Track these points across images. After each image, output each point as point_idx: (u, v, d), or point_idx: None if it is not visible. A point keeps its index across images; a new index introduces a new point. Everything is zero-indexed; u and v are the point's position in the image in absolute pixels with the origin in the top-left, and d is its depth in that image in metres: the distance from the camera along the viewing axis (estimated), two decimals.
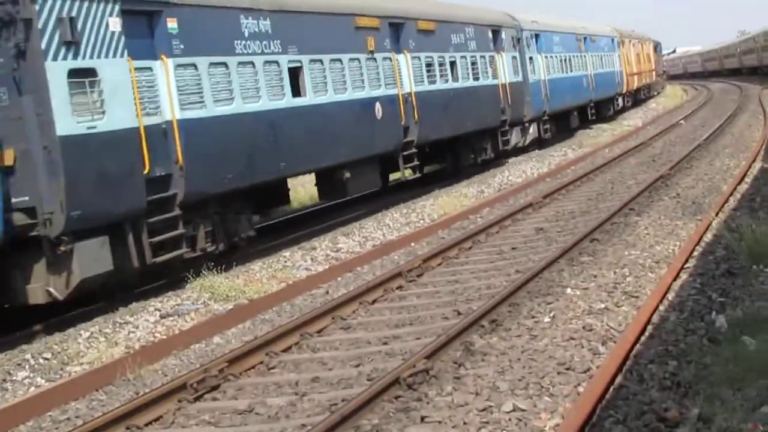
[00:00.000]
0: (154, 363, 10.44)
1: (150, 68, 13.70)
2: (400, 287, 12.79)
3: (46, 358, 10.97)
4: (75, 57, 12.15)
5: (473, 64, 25.73)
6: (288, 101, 16.79)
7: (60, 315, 12.91)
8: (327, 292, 13.37)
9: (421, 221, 18.97)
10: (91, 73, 12.38)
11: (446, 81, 23.85)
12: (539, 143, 32.13)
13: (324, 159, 18.18)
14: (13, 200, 11.70)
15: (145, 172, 13.12)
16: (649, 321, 9.25)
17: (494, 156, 27.55)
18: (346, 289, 13.24)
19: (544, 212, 18.04)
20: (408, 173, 23.54)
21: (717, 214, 14.61)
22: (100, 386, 9.77)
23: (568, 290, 11.15)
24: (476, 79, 25.83)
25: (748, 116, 36.56)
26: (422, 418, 7.41)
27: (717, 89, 66.74)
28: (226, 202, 15.36)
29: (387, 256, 15.62)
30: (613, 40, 46.45)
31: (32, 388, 10.05)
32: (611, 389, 7.41)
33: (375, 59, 20.25)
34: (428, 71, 22.83)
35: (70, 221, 11.74)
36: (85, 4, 12.41)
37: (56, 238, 11.76)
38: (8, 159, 11.73)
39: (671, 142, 30.18)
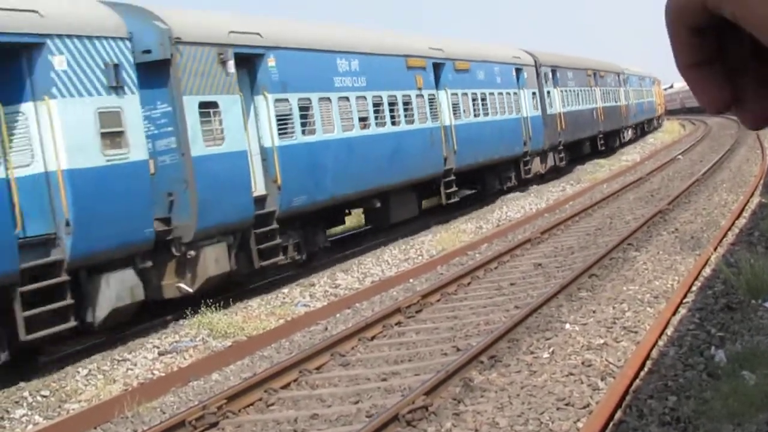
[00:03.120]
0: (153, 400, 10.41)
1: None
2: (399, 323, 12.78)
3: (44, 396, 10.94)
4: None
5: (614, 93, 48.99)
6: (573, 108, 37.90)
7: (60, 352, 12.90)
8: (326, 329, 13.35)
9: (420, 257, 18.98)
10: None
11: (611, 101, 47.39)
12: (629, 142, 53.42)
13: (585, 133, 40.01)
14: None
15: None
16: (648, 356, 9.23)
17: (618, 144, 49.25)
18: (344, 325, 13.22)
19: (543, 248, 18.04)
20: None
21: (715, 249, 14.60)
22: (98, 424, 9.74)
23: (567, 326, 11.13)
24: (616, 101, 49.16)
25: (746, 151, 36.63)
26: None
27: (715, 124, 66.85)
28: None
29: (386, 293, 15.61)
30: (651, 80, 69.94)
31: (30, 426, 10.02)
32: (611, 425, 7.39)
33: (590, 89, 41.98)
34: (607, 96, 45.92)
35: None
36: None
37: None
38: None
39: (669, 177, 30.21)
